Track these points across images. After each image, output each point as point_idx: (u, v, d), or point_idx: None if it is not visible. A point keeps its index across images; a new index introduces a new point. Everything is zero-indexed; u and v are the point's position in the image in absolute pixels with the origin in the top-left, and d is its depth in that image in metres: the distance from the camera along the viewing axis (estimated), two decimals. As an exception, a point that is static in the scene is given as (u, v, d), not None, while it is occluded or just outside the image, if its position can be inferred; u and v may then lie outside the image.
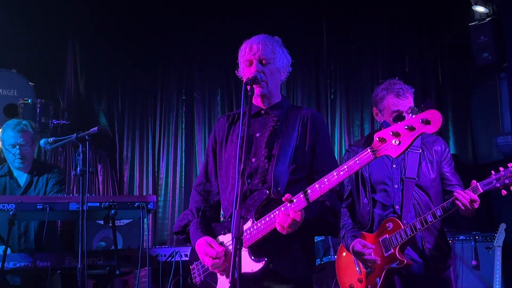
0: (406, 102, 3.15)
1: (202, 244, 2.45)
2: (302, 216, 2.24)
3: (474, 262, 4.73)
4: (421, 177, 3.13)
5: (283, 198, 2.25)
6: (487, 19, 5.45)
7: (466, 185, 3.15)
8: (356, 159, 2.16)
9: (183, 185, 6.36)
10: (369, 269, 3.11)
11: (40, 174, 4.18)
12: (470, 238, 4.80)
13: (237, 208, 2.11)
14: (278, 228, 2.26)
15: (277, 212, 2.30)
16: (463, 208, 2.89)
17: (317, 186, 2.23)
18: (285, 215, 2.23)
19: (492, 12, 5.47)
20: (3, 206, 3.44)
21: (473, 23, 5.54)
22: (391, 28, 6.38)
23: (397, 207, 3.11)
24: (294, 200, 2.25)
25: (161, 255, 3.91)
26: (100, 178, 6.25)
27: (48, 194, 4.07)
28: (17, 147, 4.08)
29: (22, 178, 4.18)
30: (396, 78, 3.29)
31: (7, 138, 4.10)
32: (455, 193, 2.91)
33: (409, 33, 6.33)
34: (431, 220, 2.97)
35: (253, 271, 2.31)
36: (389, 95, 3.16)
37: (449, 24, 6.03)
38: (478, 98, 6.05)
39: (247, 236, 2.36)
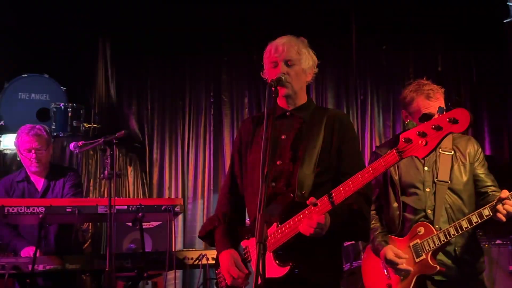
0: (437, 103, 3.04)
1: (228, 259, 2.45)
2: (327, 220, 2.19)
3: (511, 267, 4.58)
4: (454, 180, 3.02)
5: (307, 202, 2.20)
6: (524, 16, 5.28)
7: (501, 186, 3.04)
8: (382, 160, 2.10)
9: (211, 187, 6.37)
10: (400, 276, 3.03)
11: (57, 178, 4.23)
12: (507, 242, 4.65)
13: (261, 212, 2.08)
14: (303, 232, 2.21)
15: (301, 216, 2.26)
16: (504, 220, 2.79)
17: (341, 189, 2.18)
18: (309, 219, 2.19)
19: (529, 8, 5.29)
20: (34, 210, 3.50)
21: (508, 20, 5.36)
22: (422, 26, 6.23)
23: (429, 211, 3.01)
24: (318, 204, 2.20)
25: (189, 258, 3.92)
26: (131, 180, 6.31)
27: (65, 197, 4.11)
28: (33, 151, 4.12)
29: (39, 182, 4.23)
30: (424, 78, 3.18)
31: (22, 143, 4.14)
32: (497, 207, 2.80)
33: (442, 31, 6.17)
34: (466, 226, 2.86)
35: (278, 276, 2.28)
36: (418, 97, 3.06)
37: (484, 21, 5.85)
38: (515, 96, 5.87)
39: (272, 241, 2.32)
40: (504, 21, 5.38)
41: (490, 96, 6.07)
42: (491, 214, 2.83)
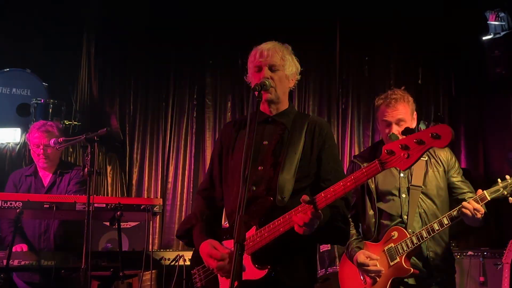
0: (395, 113, 3.10)
1: (207, 246, 2.44)
2: (320, 217, 2.21)
3: (481, 278, 4.67)
4: (428, 185, 3.11)
5: (301, 199, 2.22)
6: (502, 33, 5.41)
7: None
8: (364, 170, 2.14)
9: (191, 190, 6.35)
10: (374, 279, 3.08)
11: (64, 174, 4.25)
12: (479, 254, 4.74)
13: (240, 213, 2.11)
14: (296, 228, 2.23)
15: (281, 219, 2.29)
16: (471, 215, 2.87)
17: (323, 195, 2.21)
18: (303, 214, 2.21)
19: (507, 26, 5.42)
20: (11, 204, 3.47)
21: (487, 37, 5.50)
22: (404, 39, 6.35)
23: (405, 217, 3.09)
24: (315, 199, 2.21)
25: (165, 259, 3.91)
26: (109, 180, 6.28)
27: (68, 193, 4.11)
28: (41, 147, 4.14)
29: (46, 178, 4.24)
30: (402, 88, 3.26)
31: (32, 138, 4.18)
32: (463, 203, 2.90)
33: (423, 44, 6.30)
34: (438, 228, 2.95)
35: (256, 278, 2.30)
36: (382, 105, 3.16)
37: (464, 38, 5.99)
38: (491, 112, 5.99)
39: (251, 243, 2.34)
40: (484, 38, 5.51)
41: (467, 110, 6.19)
42: (459, 216, 2.92)
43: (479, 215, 2.87)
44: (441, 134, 1.98)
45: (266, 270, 2.30)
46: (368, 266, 3.03)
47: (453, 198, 3.15)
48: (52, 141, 3.84)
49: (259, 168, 2.48)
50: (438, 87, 6.31)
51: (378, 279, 3.05)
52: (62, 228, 4.07)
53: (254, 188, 2.44)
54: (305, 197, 2.21)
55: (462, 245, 4.90)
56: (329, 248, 4.79)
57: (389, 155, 2.07)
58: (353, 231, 3.25)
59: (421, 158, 3.08)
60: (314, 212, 2.18)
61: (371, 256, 3.06)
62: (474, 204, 2.87)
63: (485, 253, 4.71)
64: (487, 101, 6.07)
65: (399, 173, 3.15)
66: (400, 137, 2.43)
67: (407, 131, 3.08)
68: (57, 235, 4.10)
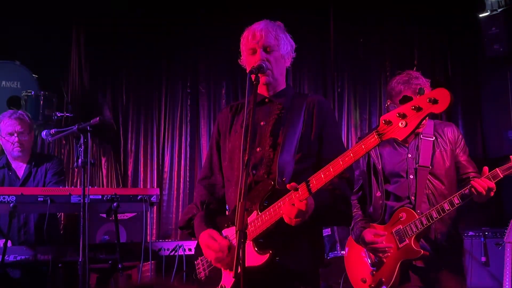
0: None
1: (205, 236, 2.38)
2: (309, 206, 2.14)
3: (483, 259, 4.65)
4: (435, 165, 3.05)
5: (287, 186, 2.15)
6: (499, 10, 5.34)
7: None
8: (362, 143, 2.05)
9: (187, 179, 6.30)
10: (382, 260, 3.02)
11: (39, 165, 4.16)
12: (480, 234, 4.71)
13: (241, 200, 2.03)
14: (286, 220, 2.17)
15: (281, 203, 2.22)
16: (479, 197, 2.82)
17: (322, 174, 2.13)
18: (290, 205, 2.14)
19: (504, 3, 5.35)
20: (4, 198, 3.40)
21: (484, 14, 5.42)
22: (399, 20, 6.27)
23: (412, 198, 3.04)
24: (299, 188, 2.15)
25: (164, 249, 3.86)
26: (104, 171, 6.20)
27: (47, 185, 4.02)
28: (15, 135, 4.07)
29: (20, 169, 4.14)
30: (414, 69, 3.18)
31: (4, 126, 4.09)
32: (472, 182, 2.84)
33: (418, 25, 6.23)
34: (448, 208, 2.89)
35: (257, 264, 2.24)
36: (406, 91, 3.06)
37: (460, 15, 5.92)
38: (489, 91, 5.95)
39: (252, 229, 2.28)
40: (480, 15, 5.44)
41: (464, 90, 6.14)
42: (470, 195, 2.86)
43: (491, 194, 2.82)
44: (439, 99, 1.88)
45: (268, 255, 2.23)
46: (376, 243, 2.97)
47: (458, 178, 3.11)
48: (43, 132, 3.74)
49: (257, 149, 2.41)
50: (434, 68, 6.25)
51: (385, 260, 3.00)
52: (42, 220, 3.98)
53: (254, 172, 2.37)
54: (293, 185, 2.13)
55: (463, 225, 4.86)
56: (329, 233, 4.75)
57: (386, 125, 1.97)
58: (359, 212, 3.20)
59: (428, 139, 3.06)
60: (299, 203, 2.10)
61: (378, 233, 3.00)
62: (488, 183, 2.82)
63: (486, 233, 4.69)
64: (483, 79, 6.03)
65: (407, 154, 3.09)
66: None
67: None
68: (38, 228, 4.02)
